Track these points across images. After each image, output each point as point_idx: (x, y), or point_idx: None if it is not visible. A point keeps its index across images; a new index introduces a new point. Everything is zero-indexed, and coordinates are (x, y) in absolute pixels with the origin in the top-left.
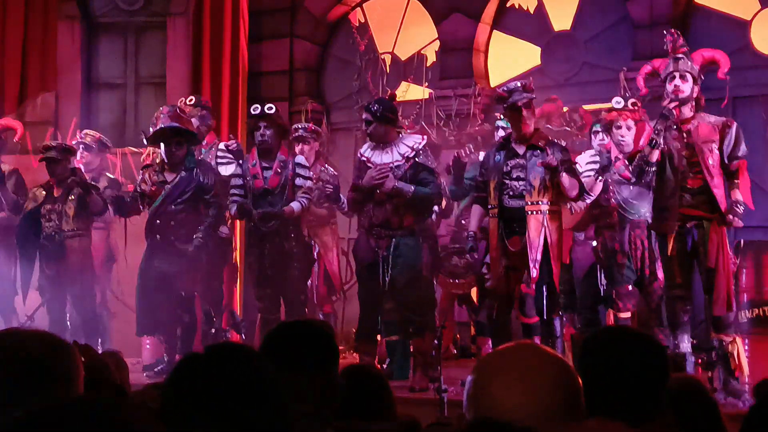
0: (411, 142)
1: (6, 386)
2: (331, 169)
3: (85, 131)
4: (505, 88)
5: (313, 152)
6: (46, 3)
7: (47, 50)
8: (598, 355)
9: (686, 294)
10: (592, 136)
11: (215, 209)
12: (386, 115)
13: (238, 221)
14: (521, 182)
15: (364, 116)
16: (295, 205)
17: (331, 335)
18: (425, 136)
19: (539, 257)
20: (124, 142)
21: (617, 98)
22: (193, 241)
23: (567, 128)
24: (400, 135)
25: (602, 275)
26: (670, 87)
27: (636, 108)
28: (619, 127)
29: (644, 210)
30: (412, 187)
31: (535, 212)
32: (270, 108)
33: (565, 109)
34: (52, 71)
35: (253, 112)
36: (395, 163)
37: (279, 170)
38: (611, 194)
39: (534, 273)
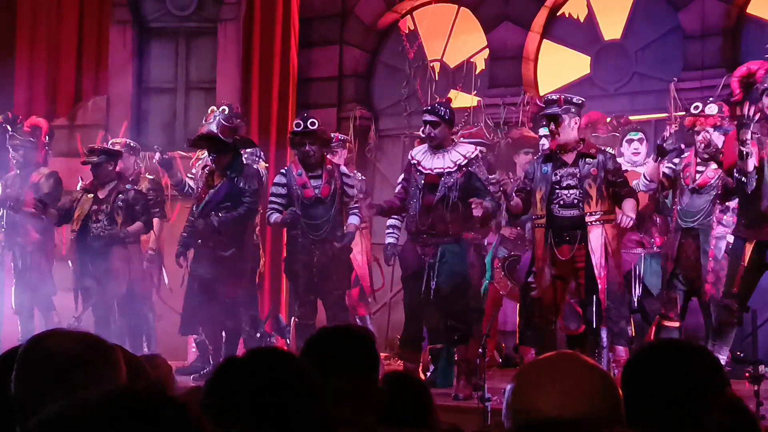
0: (465, 150)
1: (43, 388)
2: (359, 174)
3: (112, 140)
4: (545, 99)
5: (342, 159)
6: (101, 8)
7: (101, 54)
8: (644, 367)
9: (739, 306)
10: (626, 144)
11: (246, 208)
12: (451, 118)
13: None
14: (572, 191)
15: (428, 118)
16: (355, 220)
17: (372, 341)
18: (478, 148)
19: (603, 263)
20: (173, 146)
21: (696, 103)
22: (212, 218)
23: (616, 134)
24: (455, 142)
25: (638, 286)
26: None
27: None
28: (698, 132)
29: (704, 219)
30: (490, 205)
31: (594, 222)
32: (312, 123)
33: (608, 119)
34: (105, 75)
35: (296, 129)
36: (446, 170)
37: (329, 180)
38: (675, 201)
39: (600, 285)
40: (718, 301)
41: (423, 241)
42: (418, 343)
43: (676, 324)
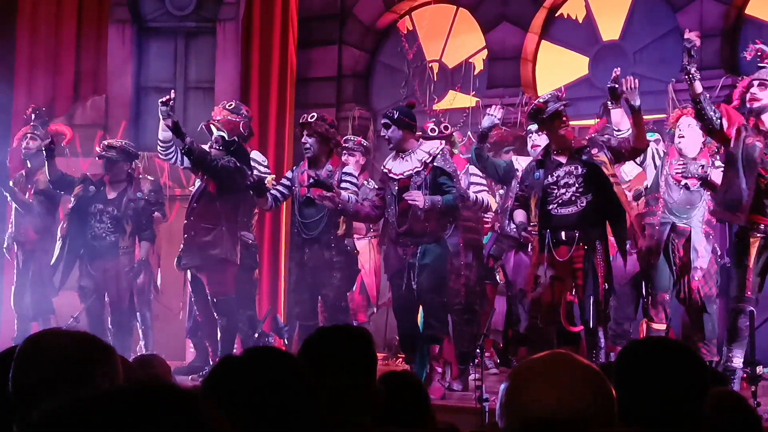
0: (429, 147)
1: (41, 387)
2: (373, 183)
3: (108, 141)
4: (541, 99)
5: (358, 165)
6: (100, 7)
7: (100, 54)
8: (636, 366)
9: (754, 310)
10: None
11: (219, 164)
12: (402, 119)
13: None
14: (570, 189)
15: (382, 121)
16: (345, 195)
17: (370, 341)
18: (443, 143)
19: (604, 259)
20: None
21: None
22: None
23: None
24: (420, 142)
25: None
26: (747, 95)
27: None
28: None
29: (692, 216)
30: (440, 199)
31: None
32: (312, 116)
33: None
34: (104, 74)
35: (300, 122)
36: (414, 170)
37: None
38: (660, 194)
39: (600, 281)
40: (732, 306)
41: (403, 243)
42: (415, 341)
43: (663, 326)
